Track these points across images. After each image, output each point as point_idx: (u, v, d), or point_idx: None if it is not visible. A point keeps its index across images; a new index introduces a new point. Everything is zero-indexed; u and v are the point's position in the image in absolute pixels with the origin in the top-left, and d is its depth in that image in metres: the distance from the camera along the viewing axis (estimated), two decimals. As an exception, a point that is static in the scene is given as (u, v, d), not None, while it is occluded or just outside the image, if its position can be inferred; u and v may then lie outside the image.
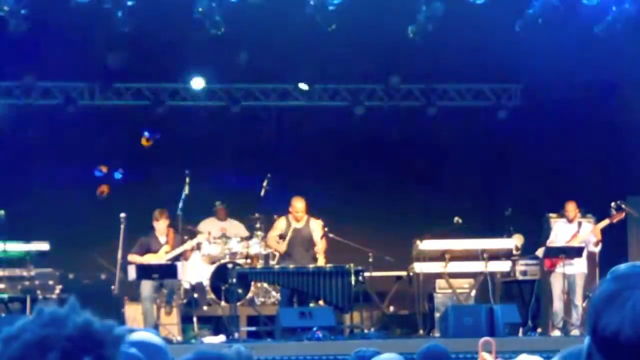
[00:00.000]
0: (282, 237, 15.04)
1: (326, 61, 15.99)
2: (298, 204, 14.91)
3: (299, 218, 14.91)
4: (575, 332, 14.17)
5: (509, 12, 14.43)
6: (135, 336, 3.55)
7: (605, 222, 15.15)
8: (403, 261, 15.66)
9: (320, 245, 14.93)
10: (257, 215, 16.04)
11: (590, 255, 15.15)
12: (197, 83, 17.13)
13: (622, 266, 1.94)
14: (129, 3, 13.71)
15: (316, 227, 14.98)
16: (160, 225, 14.69)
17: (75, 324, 2.06)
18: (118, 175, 17.55)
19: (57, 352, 2.02)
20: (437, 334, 14.42)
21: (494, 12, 14.24)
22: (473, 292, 15.58)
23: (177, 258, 14.64)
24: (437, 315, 15.13)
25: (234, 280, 14.51)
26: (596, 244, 15.08)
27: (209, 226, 15.87)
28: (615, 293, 1.86)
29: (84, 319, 2.07)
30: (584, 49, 15.09)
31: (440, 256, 15.20)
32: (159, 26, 14.62)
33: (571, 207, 15.17)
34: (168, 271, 14.41)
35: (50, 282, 14.92)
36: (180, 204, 15.71)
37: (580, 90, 16.20)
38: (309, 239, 14.96)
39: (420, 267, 15.04)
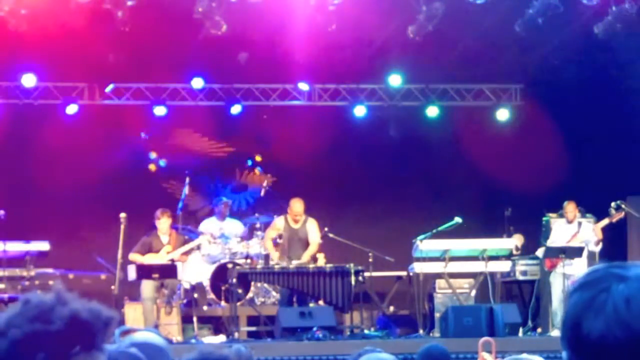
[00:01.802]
0: (281, 237, 15.04)
1: (326, 61, 15.98)
2: (297, 207, 14.92)
3: (297, 220, 14.93)
4: (575, 332, 14.14)
5: (509, 12, 14.43)
6: (138, 336, 3.55)
7: (605, 222, 15.15)
8: (403, 261, 15.65)
9: (313, 248, 14.93)
10: (257, 215, 16.06)
11: (591, 255, 15.14)
12: (197, 83, 17.13)
13: (582, 276, 1.93)
14: (129, 3, 13.71)
15: (313, 227, 14.99)
16: (163, 225, 14.71)
17: (62, 317, 2.04)
18: (163, 163, 17.64)
19: (46, 351, 2.01)
20: (437, 334, 14.41)
21: (494, 12, 14.24)
22: (473, 292, 15.57)
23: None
24: (437, 315, 15.12)
25: (234, 280, 14.51)
26: (597, 243, 15.08)
27: (209, 226, 15.87)
28: (589, 300, 1.85)
29: (70, 309, 2.05)
30: (584, 49, 15.09)
31: (440, 256, 15.19)
32: (159, 26, 14.62)
33: (571, 208, 15.17)
34: (168, 271, 14.42)
35: (50, 282, 14.91)
36: (180, 204, 15.73)
37: (580, 90, 16.21)
38: (305, 239, 14.98)
39: (420, 267, 15.03)
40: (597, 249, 15.11)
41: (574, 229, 15.15)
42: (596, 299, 1.85)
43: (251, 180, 18.08)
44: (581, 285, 1.90)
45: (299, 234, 14.96)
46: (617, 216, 15.19)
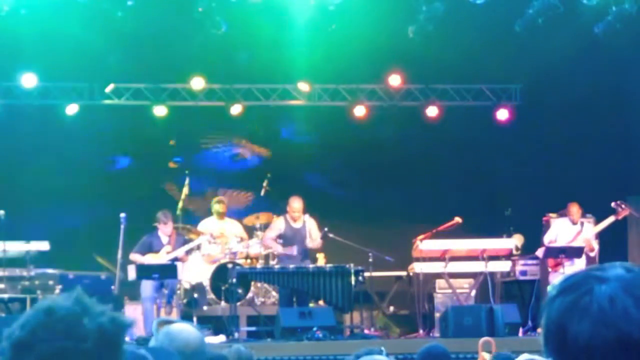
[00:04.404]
0: (280, 237, 15.03)
1: (326, 61, 15.99)
2: (296, 204, 14.90)
3: (296, 218, 14.90)
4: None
5: (509, 12, 14.43)
6: (174, 327, 3.59)
7: (611, 220, 15.08)
8: (403, 261, 15.65)
9: (317, 242, 14.91)
10: (257, 215, 16.05)
11: (589, 257, 15.12)
12: (197, 83, 17.13)
13: (560, 281, 1.94)
14: (129, 3, 13.71)
15: (313, 226, 14.98)
16: (167, 228, 14.67)
17: (91, 332, 2.02)
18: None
19: None
20: (437, 334, 14.41)
21: (494, 12, 14.24)
22: (473, 292, 15.57)
23: (176, 258, 14.68)
24: (437, 315, 15.12)
25: (234, 280, 14.51)
26: (591, 250, 15.01)
27: (209, 226, 15.87)
28: (572, 303, 1.86)
29: (98, 324, 2.03)
30: (584, 49, 15.09)
31: (440, 256, 15.19)
32: (159, 26, 14.62)
33: (575, 209, 15.12)
34: (168, 271, 14.42)
35: (50, 282, 14.90)
36: (180, 204, 15.73)
37: (580, 90, 16.20)
38: (307, 238, 14.97)
39: (420, 267, 15.04)
40: (591, 254, 15.03)
41: (577, 229, 15.14)
42: (579, 301, 1.85)
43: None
44: (561, 290, 1.90)
45: (300, 233, 14.95)
46: (622, 213, 15.13)
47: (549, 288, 14.70)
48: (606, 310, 1.82)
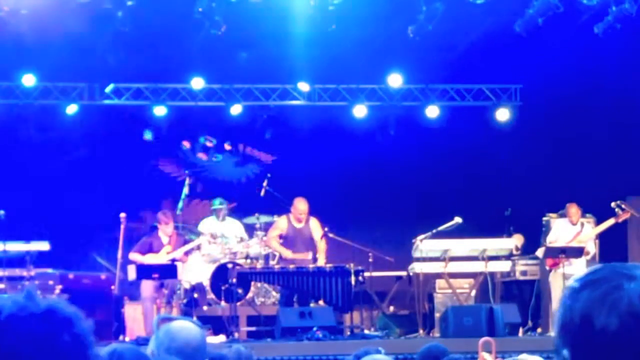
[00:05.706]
0: (281, 236, 15.04)
1: (326, 61, 15.99)
2: (301, 206, 14.95)
3: (301, 219, 14.95)
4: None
5: (509, 12, 14.43)
6: (175, 325, 3.60)
7: (610, 222, 15.08)
8: (403, 261, 15.66)
9: (322, 245, 14.97)
10: (257, 215, 16.05)
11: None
12: (197, 83, 17.12)
13: (584, 274, 1.98)
14: (129, 3, 13.70)
15: (315, 226, 15.03)
16: (168, 229, 14.69)
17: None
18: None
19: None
20: (437, 334, 14.42)
21: (494, 12, 14.24)
22: (473, 292, 15.57)
23: (176, 258, 14.69)
24: (437, 315, 15.12)
25: (234, 280, 14.51)
26: (586, 253, 15.00)
27: (209, 226, 15.87)
28: (602, 296, 1.91)
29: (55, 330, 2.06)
30: (584, 49, 15.09)
31: (440, 256, 15.19)
32: (159, 26, 14.62)
33: (574, 210, 15.12)
34: (168, 271, 14.42)
35: (50, 282, 14.91)
36: (181, 204, 15.73)
37: (579, 90, 16.21)
38: (310, 238, 15.02)
39: (420, 267, 15.04)
40: (587, 257, 15.01)
41: (577, 230, 15.14)
42: (609, 295, 1.91)
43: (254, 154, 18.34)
44: (587, 283, 1.95)
45: (303, 233, 14.99)
46: (623, 216, 15.12)
47: (570, 283, 14.66)
48: (636, 306, 1.89)
